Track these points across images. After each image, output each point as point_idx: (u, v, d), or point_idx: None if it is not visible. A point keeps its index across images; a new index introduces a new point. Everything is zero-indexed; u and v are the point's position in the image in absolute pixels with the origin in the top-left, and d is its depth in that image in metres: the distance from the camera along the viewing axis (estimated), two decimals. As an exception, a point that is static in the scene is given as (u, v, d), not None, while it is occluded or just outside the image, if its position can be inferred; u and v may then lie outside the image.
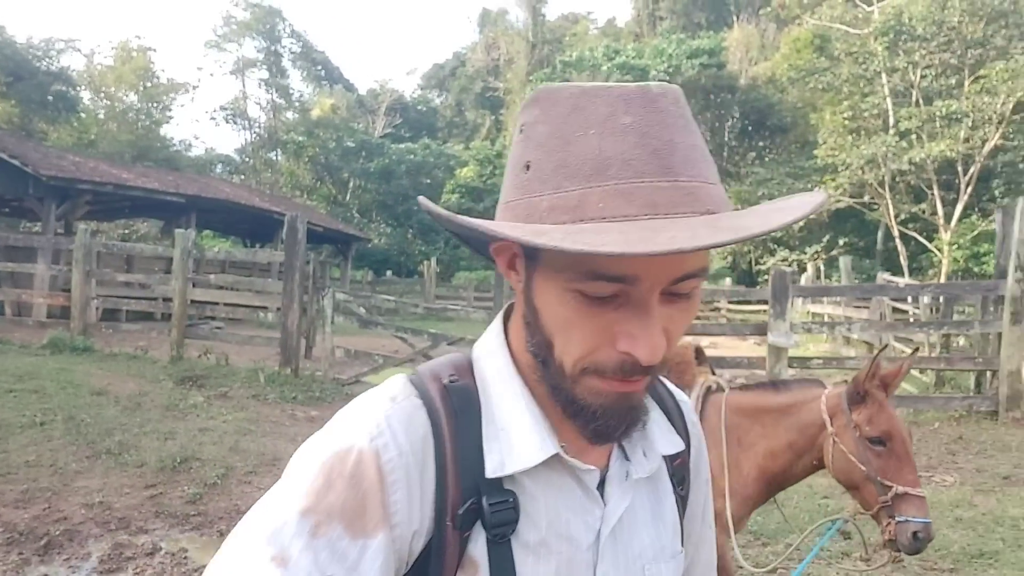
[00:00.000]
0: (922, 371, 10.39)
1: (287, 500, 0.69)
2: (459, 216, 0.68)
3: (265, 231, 24.36)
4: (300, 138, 38.80)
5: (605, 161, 0.67)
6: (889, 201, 26.30)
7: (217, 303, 11.82)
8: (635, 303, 0.68)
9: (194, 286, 10.77)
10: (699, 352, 3.06)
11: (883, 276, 16.08)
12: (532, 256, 0.73)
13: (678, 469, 0.91)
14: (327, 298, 8.90)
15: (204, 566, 3.59)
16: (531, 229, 0.66)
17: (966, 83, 24.70)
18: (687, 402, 0.97)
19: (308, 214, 26.83)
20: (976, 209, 26.43)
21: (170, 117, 36.67)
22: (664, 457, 0.88)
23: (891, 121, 26.47)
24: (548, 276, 0.71)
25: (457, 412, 0.76)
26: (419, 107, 56.79)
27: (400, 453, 0.71)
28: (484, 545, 0.74)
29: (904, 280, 18.60)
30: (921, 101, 26.04)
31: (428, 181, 39.43)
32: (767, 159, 34.59)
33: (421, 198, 0.78)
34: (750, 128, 36.18)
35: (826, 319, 15.82)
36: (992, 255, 25.15)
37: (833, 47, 28.55)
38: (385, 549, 0.68)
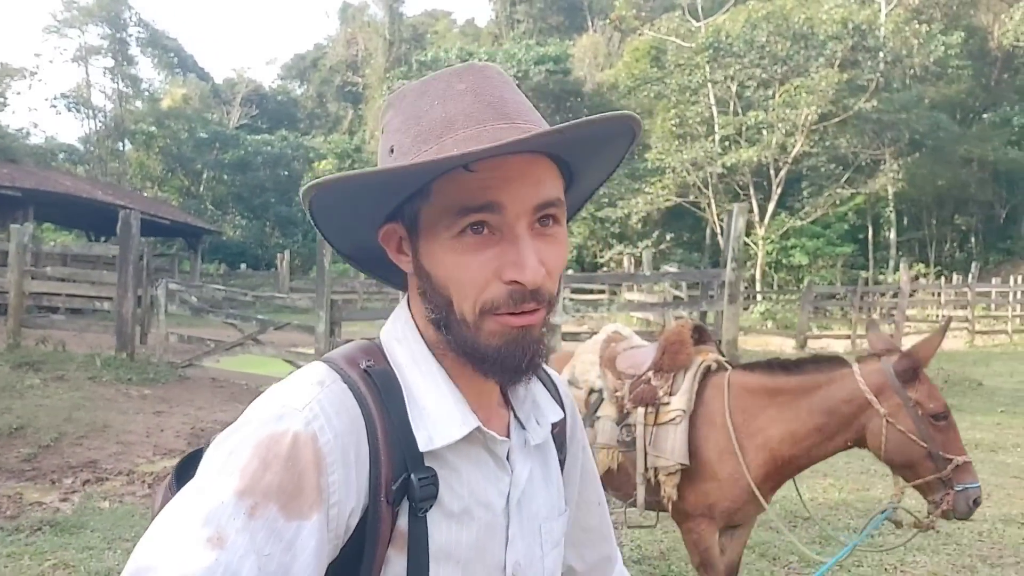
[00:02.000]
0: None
1: (221, 482, 0.68)
2: (336, 177, 0.74)
3: (108, 224, 23.87)
4: (150, 128, 37.80)
5: (451, 119, 0.77)
6: (712, 200, 29.23)
7: (59, 294, 12.23)
8: (508, 236, 0.77)
9: (33, 279, 11.18)
10: (700, 331, 2.97)
11: (666, 268, 18.23)
12: (414, 229, 0.81)
13: (557, 436, 0.99)
14: (160, 288, 9.71)
15: (38, 502, 4.63)
16: (402, 163, 0.76)
17: (777, 95, 27.84)
18: (558, 376, 1.06)
19: (156, 207, 26.70)
20: (785, 208, 29.80)
21: (4, 104, 34.77)
22: None
23: (716, 128, 29.45)
24: (430, 235, 0.79)
25: (382, 394, 0.79)
26: (279, 97, 56.03)
27: (336, 435, 0.73)
28: (407, 518, 0.77)
29: (672, 268, 21.00)
30: (741, 111, 29.09)
31: (286, 173, 39.39)
32: (611, 159, 37.05)
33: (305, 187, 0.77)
34: (596, 130, 38.49)
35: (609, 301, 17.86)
36: (799, 247, 28.46)
37: (666, 58, 31.21)
38: (320, 528, 0.70)
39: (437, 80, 0.81)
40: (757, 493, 2.59)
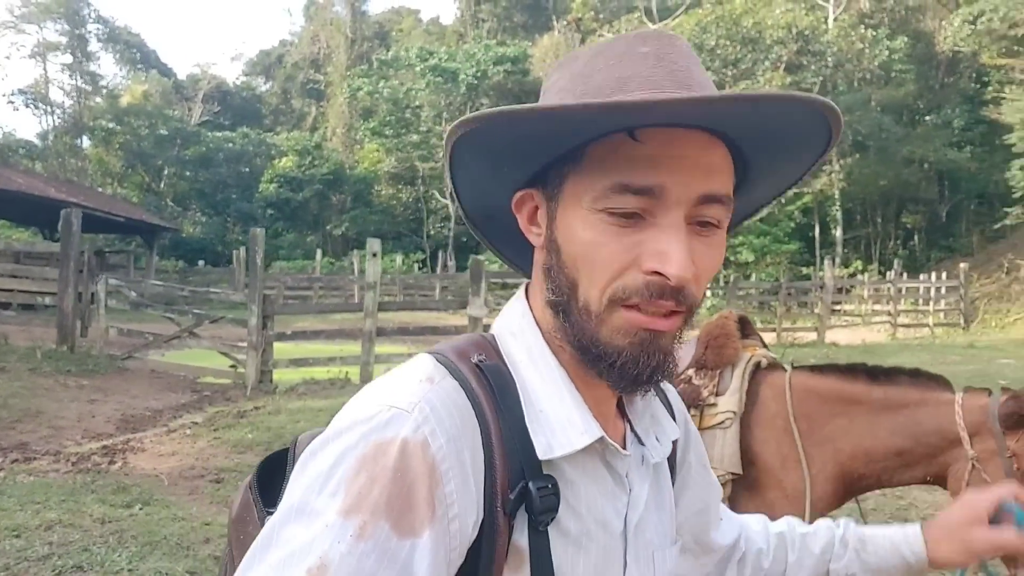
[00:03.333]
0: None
1: (324, 502, 0.62)
2: (505, 109, 0.66)
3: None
4: (109, 125, 37.77)
5: (625, 79, 0.69)
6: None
7: (11, 290, 12.57)
8: (661, 223, 0.68)
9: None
10: (744, 323, 2.67)
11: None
12: (555, 197, 0.73)
13: (669, 460, 0.89)
14: (100, 284, 10.16)
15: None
16: (543, 106, 0.67)
17: (727, 98, 28.64)
18: (673, 390, 0.96)
19: (111, 204, 26.87)
20: (734, 207, 30.69)
21: (-41, 99, 34.53)
22: None
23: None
24: (572, 205, 0.71)
25: (496, 393, 0.72)
26: (243, 94, 56.07)
27: (449, 439, 0.65)
28: (526, 534, 0.69)
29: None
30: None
31: (247, 170, 39.61)
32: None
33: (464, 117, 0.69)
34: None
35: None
36: (746, 245, 29.26)
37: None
38: (435, 546, 0.63)
39: (618, 41, 0.73)
40: (806, 505, 2.28)
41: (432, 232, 38.77)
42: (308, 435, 0.79)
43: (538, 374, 0.76)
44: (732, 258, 29.95)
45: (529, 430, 0.72)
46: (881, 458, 2.23)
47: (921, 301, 21.28)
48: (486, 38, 44.26)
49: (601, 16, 36.92)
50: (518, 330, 0.79)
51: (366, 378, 9.63)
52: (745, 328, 2.63)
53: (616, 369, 0.71)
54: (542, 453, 0.71)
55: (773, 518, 2.38)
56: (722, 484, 2.29)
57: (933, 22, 34.13)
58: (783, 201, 29.53)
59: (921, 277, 23.14)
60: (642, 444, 0.83)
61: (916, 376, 2.28)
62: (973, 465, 2.07)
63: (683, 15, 31.69)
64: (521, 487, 0.69)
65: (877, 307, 21.17)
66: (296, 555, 0.60)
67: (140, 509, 4.58)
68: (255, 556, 0.62)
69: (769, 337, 16.25)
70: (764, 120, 0.68)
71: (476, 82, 34.62)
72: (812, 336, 16.75)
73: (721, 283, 29.11)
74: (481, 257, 9.98)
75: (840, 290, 23.05)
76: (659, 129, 0.67)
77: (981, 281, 24.83)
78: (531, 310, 0.79)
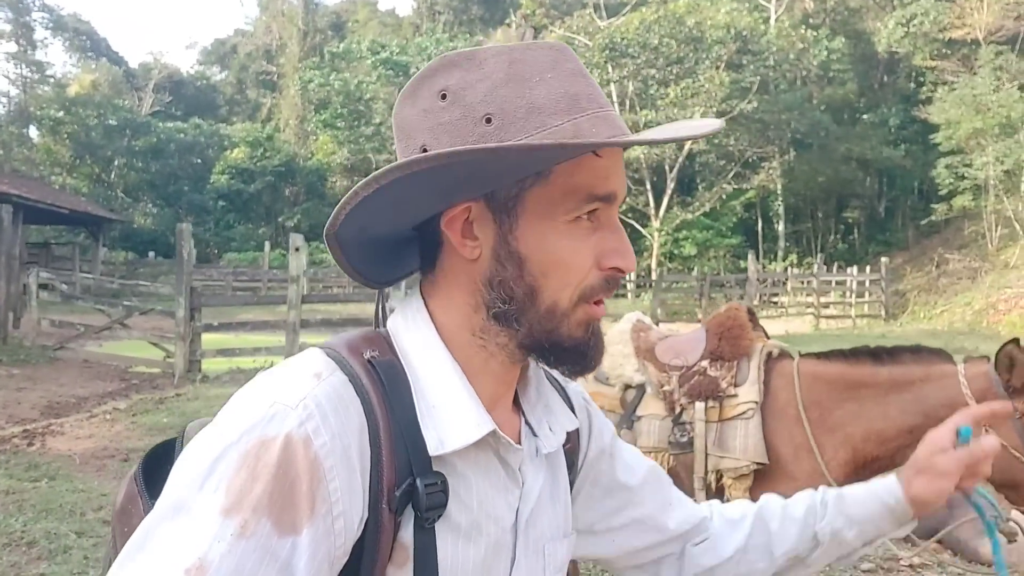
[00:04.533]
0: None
1: (204, 500, 0.61)
2: (477, 148, 0.68)
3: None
4: (56, 114, 37.29)
5: (575, 96, 0.73)
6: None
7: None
8: (609, 224, 0.77)
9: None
10: (752, 315, 2.69)
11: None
12: (509, 208, 0.75)
13: (569, 453, 0.91)
14: (32, 276, 10.47)
15: None
16: (559, 142, 0.69)
17: (670, 95, 29.49)
18: (575, 384, 0.98)
19: (57, 196, 26.68)
20: (677, 202, 31.58)
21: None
22: None
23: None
24: (540, 216, 0.74)
25: (386, 388, 0.72)
26: (198, 83, 55.48)
27: (333, 436, 0.65)
28: (412, 531, 0.70)
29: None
30: (639, 108, 30.66)
31: (199, 161, 39.40)
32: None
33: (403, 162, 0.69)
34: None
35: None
36: (689, 239, 30.14)
37: (571, 56, 32.49)
38: (316, 543, 0.63)
39: (532, 51, 0.75)
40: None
41: (385, 226, 38.79)
42: (198, 423, 0.79)
43: (431, 370, 0.76)
44: (676, 252, 30.83)
45: (421, 426, 0.72)
46: (894, 437, 2.25)
47: (848, 294, 22.28)
48: (442, 31, 44.46)
49: (553, 12, 37.42)
50: (412, 326, 0.79)
51: (291, 367, 10.03)
52: (752, 320, 2.65)
53: (574, 355, 0.78)
54: (433, 449, 0.71)
55: None
56: (743, 476, 2.39)
57: (873, 23, 35.30)
58: (723, 196, 30.51)
59: (848, 271, 24.16)
60: (535, 435, 0.85)
61: (918, 352, 2.32)
62: (986, 431, 2.05)
63: (630, 12, 32.28)
64: (408, 484, 0.69)
65: (809, 299, 22.12)
66: (173, 555, 0.60)
67: (45, 483, 5.03)
68: (129, 555, 0.61)
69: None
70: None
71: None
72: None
73: (653, 276, 30.09)
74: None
75: (774, 283, 24.00)
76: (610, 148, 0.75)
77: (913, 274, 26.01)
78: (429, 310, 0.79)
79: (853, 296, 21.38)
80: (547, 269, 0.75)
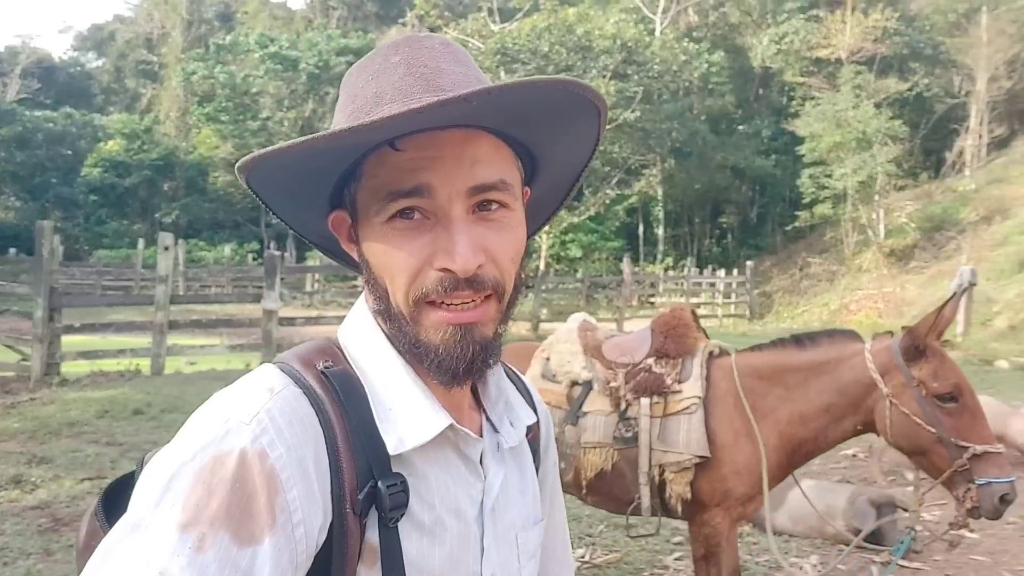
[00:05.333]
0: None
1: (160, 517, 0.62)
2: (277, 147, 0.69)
3: None
4: (-93, 99, 34.49)
5: (380, 93, 0.73)
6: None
7: None
8: (443, 221, 0.72)
9: None
10: (694, 315, 2.80)
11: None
12: (353, 214, 0.78)
13: (532, 443, 0.94)
14: None
15: None
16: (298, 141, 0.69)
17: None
18: (528, 380, 1.01)
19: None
20: (565, 206, 32.29)
21: None
22: None
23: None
24: (365, 220, 0.76)
25: (342, 397, 0.74)
26: (71, 70, 52.41)
27: (288, 448, 0.67)
28: (378, 531, 0.72)
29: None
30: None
31: (70, 152, 37.26)
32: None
33: (242, 161, 0.71)
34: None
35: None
36: (576, 242, 30.98)
37: (464, 59, 32.75)
38: (279, 552, 0.64)
39: (376, 54, 0.78)
40: (764, 483, 2.41)
41: (274, 222, 37.84)
42: (154, 453, 0.78)
43: (384, 374, 0.78)
44: (563, 254, 31.64)
45: (380, 429, 0.74)
46: (814, 417, 2.40)
47: (716, 295, 23.60)
48: (335, 26, 43.76)
49: (447, 14, 37.48)
50: (360, 333, 0.81)
51: (157, 370, 9.85)
52: (695, 319, 2.78)
53: (436, 365, 0.75)
54: (393, 448, 0.73)
55: (725, 490, 2.49)
56: (687, 468, 2.49)
57: (751, 40, 37.27)
58: (607, 201, 31.53)
59: (716, 274, 25.53)
60: (497, 431, 0.86)
61: (832, 335, 2.51)
62: (890, 402, 2.22)
63: (522, 18, 32.86)
64: (370, 487, 0.71)
65: (682, 300, 23.27)
66: (132, 571, 0.60)
67: None
68: (90, 574, 0.61)
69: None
70: (515, 108, 0.71)
71: (318, 72, 34.39)
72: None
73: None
74: (283, 254, 10.42)
75: (651, 284, 25.09)
76: (416, 135, 0.71)
77: (779, 277, 27.75)
78: (371, 315, 0.81)
79: (721, 297, 22.66)
80: (380, 272, 0.76)
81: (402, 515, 0.73)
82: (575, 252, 31.24)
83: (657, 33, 32.77)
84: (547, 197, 0.92)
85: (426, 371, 0.77)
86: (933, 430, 2.19)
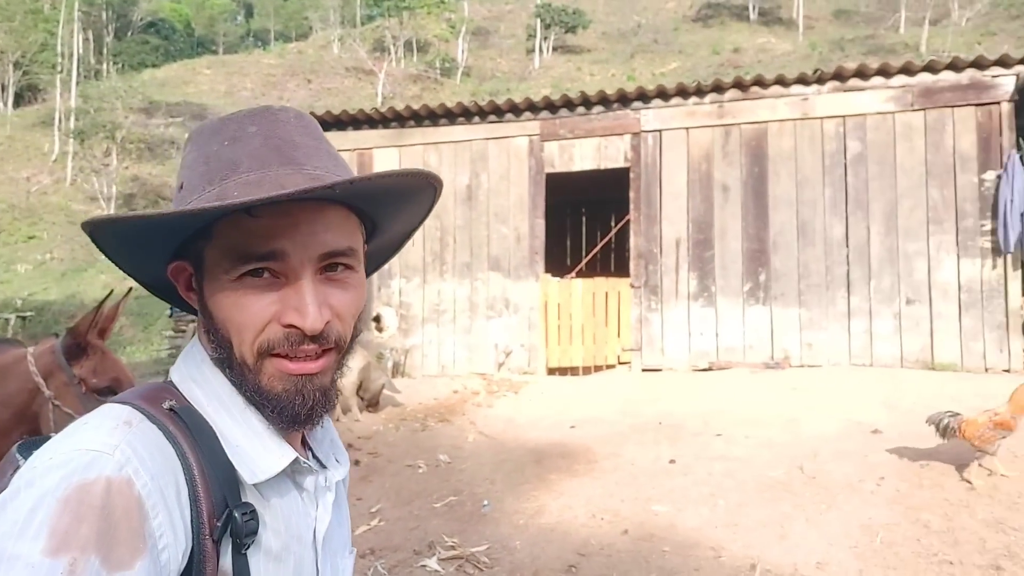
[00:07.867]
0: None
1: (23, 547, 0.62)
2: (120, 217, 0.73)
3: None
4: None
5: (236, 161, 0.77)
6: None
7: None
8: (292, 281, 0.77)
9: None
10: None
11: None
12: (199, 267, 0.80)
13: (343, 481, 0.98)
14: None
15: None
16: (167, 212, 0.73)
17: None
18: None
19: None
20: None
21: None
22: None
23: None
24: (214, 279, 0.78)
25: (193, 433, 0.77)
26: None
27: (152, 477, 0.69)
28: (231, 557, 0.75)
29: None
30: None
31: None
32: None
33: (88, 221, 0.74)
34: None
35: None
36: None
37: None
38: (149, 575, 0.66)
39: (232, 120, 0.82)
40: None
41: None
42: None
43: (228, 414, 0.81)
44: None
45: (234, 462, 0.78)
46: None
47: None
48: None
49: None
50: (198, 375, 0.83)
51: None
52: None
53: (278, 412, 0.80)
54: (248, 479, 0.78)
55: None
56: None
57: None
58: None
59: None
60: (324, 467, 0.92)
61: None
62: (53, 403, 2.08)
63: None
64: (226, 515, 0.75)
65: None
66: None
67: None
68: None
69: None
70: (368, 192, 0.80)
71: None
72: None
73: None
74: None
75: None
76: (272, 205, 0.73)
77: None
78: (209, 360, 0.83)
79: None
80: (226, 324, 0.79)
81: (254, 541, 0.77)
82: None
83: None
84: (382, 251, 0.98)
85: (268, 417, 0.81)
86: None
